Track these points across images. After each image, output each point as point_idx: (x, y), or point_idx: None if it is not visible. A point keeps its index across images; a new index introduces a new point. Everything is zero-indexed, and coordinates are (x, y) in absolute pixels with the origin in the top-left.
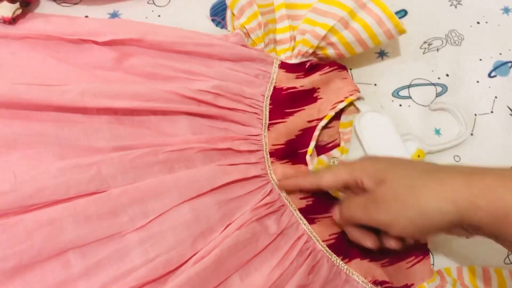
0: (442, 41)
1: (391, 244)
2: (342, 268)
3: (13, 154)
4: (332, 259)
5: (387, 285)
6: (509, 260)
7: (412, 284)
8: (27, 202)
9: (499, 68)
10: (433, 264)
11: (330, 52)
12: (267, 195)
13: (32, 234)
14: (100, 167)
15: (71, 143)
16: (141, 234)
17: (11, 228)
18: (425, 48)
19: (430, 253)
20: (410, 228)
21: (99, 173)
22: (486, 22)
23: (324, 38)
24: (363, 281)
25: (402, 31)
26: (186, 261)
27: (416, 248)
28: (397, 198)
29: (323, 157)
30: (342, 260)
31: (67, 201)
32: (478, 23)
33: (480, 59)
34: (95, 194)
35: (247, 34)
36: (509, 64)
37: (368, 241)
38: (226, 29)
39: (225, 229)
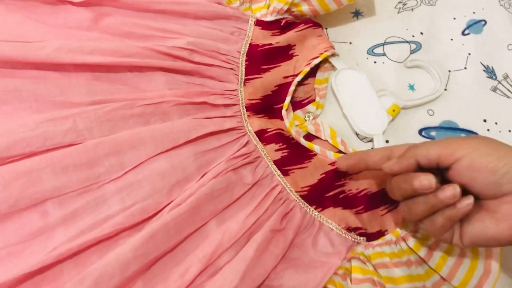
0: (417, 1)
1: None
2: (316, 216)
3: None
4: (305, 208)
5: (361, 231)
6: None
7: (386, 230)
8: (3, 154)
9: (473, 26)
10: None
11: (305, 8)
12: (243, 146)
13: (9, 184)
14: (76, 119)
15: (48, 99)
16: (118, 184)
17: None
18: (400, 8)
19: None
20: None
21: (75, 126)
22: None
23: None
24: (336, 228)
25: None
26: (162, 209)
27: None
28: None
29: (298, 112)
30: (315, 209)
31: (43, 153)
32: None
33: (454, 18)
34: (72, 145)
35: None
36: (482, 23)
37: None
38: None
39: (201, 178)
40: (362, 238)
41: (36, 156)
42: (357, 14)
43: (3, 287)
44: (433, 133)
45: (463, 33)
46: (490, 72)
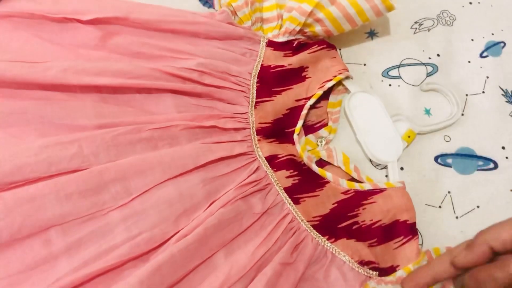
0: (434, 22)
1: None
2: (328, 247)
3: None
4: (317, 239)
5: (373, 265)
6: None
7: (398, 266)
8: (6, 179)
9: (491, 48)
10: (421, 244)
11: (318, 29)
12: (253, 172)
13: (12, 211)
14: (82, 144)
15: (54, 122)
16: (124, 212)
17: None
18: (416, 28)
19: (419, 233)
20: None
21: (80, 151)
22: (479, 3)
23: (310, 14)
24: (349, 261)
25: (389, 7)
26: (169, 239)
27: (405, 228)
28: None
29: (310, 136)
30: (327, 239)
31: (48, 178)
32: (470, 3)
33: (472, 39)
34: (77, 171)
35: (234, 12)
36: (502, 45)
37: None
38: (213, 8)
39: (209, 206)
40: (374, 272)
41: (40, 182)
42: (371, 34)
43: None
44: (449, 160)
45: (481, 56)
46: (509, 97)
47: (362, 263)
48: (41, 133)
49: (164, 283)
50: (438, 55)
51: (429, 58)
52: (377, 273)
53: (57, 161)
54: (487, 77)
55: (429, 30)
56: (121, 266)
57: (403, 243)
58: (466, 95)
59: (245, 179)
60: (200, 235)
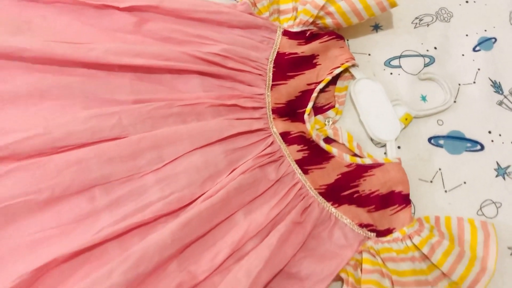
0: (433, 17)
1: None
2: (332, 212)
3: (44, 103)
4: (323, 204)
5: (372, 227)
6: (482, 212)
7: (394, 228)
8: (57, 144)
9: (484, 43)
10: (413, 213)
11: (328, 21)
12: (269, 146)
13: (62, 171)
14: (121, 116)
15: (96, 96)
16: (158, 175)
17: (44, 166)
18: (416, 23)
19: (412, 204)
20: None
21: (120, 122)
22: (474, 1)
23: (322, 7)
24: (350, 223)
25: (393, 3)
26: (196, 199)
27: (399, 198)
28: None
29: (319, 117)
30: (332, 205)
31: (92, 144)
32: (466, 2)
33: (467, 35)
34: (117, 139)
35: (254, 4)
36: (493, 40)
37: None
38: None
39: (230, 173)
40: (372, 234)
41: (86, 147)
42: (376, 27)
43: (55, 262)
44: (441, 142)
45: (474, 50)
46: (497, 87)
47: (362, 225)
48: (85, 105)
49: (191, 236)
50: (435, 48)
51: (427, 50)
52: (375, 234)
53: (100, 130)
54: (479, 69)
55: (428, 25)
56: (155, 220)
57: (398, 211)
58: (459, 84)
59: (261, 151)
60: (223, 196)
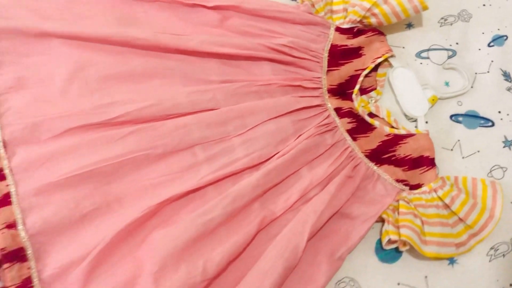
0: (455, 18)
1: None
2: (375, 170)
3: (153, 81)
4: (368, 164)
5: (406, 182)
6: (491, 174)
7: (423, 184)
8: (167, 112)
9: (497, 40)
10: (438, 173)
11: (373, 20)
12: (326, 118)
13: (172, 133)
14: (215, 92)
15: (192, 76)
16: (242, 138)
17: (158, 128)
18: (442, 22)
19: (436, 166)
20: None
21: (214, 97)
22: (490, 5)
23: (369, 9)
24: (389, 179)
25: (425, 7)
26: (272, 157)
27: (427, 161)
28: None
29: (364, 96)
30: (375, 165)
31: (193, 113)
32: (484, 5)
33: (483, 33)
34: (212, 110)
35: (312, 5)
36: (505, 37)
37: None
38: (296, 0)
39: (297, 138)
40: (406, 187)
41: (188, 115)
42: (409, 25)
43: (170, 200)
44: (460, 118)
45: (488, 45)
46: (507, 76)
47: (398, 180)
48: (184, 83)
49: (270, 183)
50: (457, 43)
51: (450, 45)
52: (408, 188)
53: (199, 102)
54: (492, 61)
55: (451, 24)
56: (242, 171)
57: (426, 171)
58: (476, 73)
59: (320, 122)
60: (292, 155)
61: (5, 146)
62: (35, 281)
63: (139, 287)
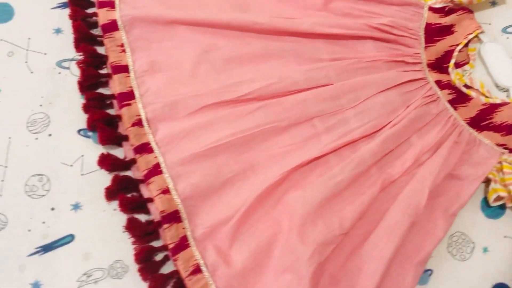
0: None
1: None
2: (476, 136)
3: (271, 61)
4: (470, 131)
5: (505, 146)
6: None
7: None
8: (288, 89)
9: None
10: None
11: (464, 0)
12: (428, 90)
13: (294, 107)
14: (328, 69)
15: (304, 56)
16: (356, 110)
17: (282, 104)
18: None
19: None
20: None
21: (327, 73)
22: None
23: None
24: (490, 143)
25: None
26: (385, 126)
27: None
28: None
29: (458, 70)
30: (476, 131)
31: (310, 89)
32: None
33: None
34: (326, 85)
35: None
36: None
37: None
38: None
39: (406, 109)
40: (506, 150)
41: (306, 91)
42: (493, 3)
43: (298, 167)
44: None
45: None
46: None
47: (498, 145)
48: (298, 62)
49: (386, 150)
50: None
51: None
52: (508, 151)
53: (314, 79)
54: None
55: None
56: (359, 139)
57: None
58: None
59: (425, 93)
60: (403, 124)
61: (148, 122)
62: (190, 239)
63: (283, 242)
